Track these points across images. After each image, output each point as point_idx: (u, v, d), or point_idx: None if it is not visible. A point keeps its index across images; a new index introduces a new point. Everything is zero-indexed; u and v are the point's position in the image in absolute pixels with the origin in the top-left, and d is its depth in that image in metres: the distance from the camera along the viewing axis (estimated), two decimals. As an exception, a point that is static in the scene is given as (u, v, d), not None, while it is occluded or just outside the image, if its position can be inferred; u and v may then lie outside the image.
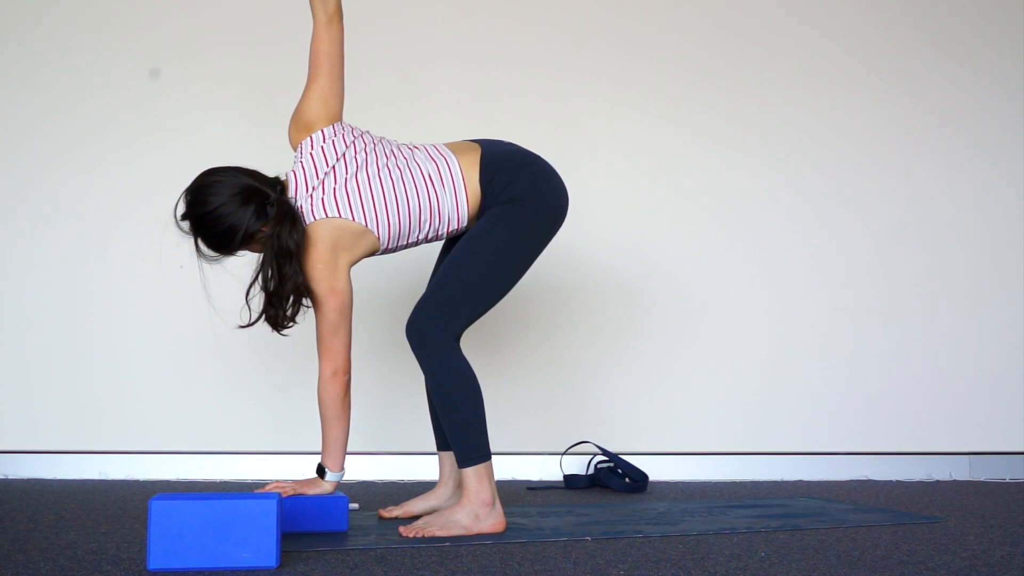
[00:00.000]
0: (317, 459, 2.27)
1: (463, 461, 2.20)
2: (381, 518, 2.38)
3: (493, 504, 2.19)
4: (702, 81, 3.51)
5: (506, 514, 2.31)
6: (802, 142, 3.54)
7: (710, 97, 3.51)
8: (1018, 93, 3.61)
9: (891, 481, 3.34)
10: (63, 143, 3.31)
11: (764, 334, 3.47)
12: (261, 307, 2.16)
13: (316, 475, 2.25)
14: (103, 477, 3.15)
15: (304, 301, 2.18)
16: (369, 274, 2.96)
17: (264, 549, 1.76)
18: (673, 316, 3.44)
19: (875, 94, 3.57)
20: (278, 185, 2.20)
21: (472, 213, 2.27)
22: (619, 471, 3.10)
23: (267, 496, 1.81)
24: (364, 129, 2.30)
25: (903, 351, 3.50)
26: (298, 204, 2.19)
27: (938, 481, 3.36)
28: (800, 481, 3.30)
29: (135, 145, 3.32)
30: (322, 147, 2.22)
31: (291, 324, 2.20)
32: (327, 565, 1.82)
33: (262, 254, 2.15)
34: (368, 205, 2.18)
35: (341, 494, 2.23)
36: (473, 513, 2.16)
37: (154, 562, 1.73)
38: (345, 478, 2.60)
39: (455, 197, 2.24)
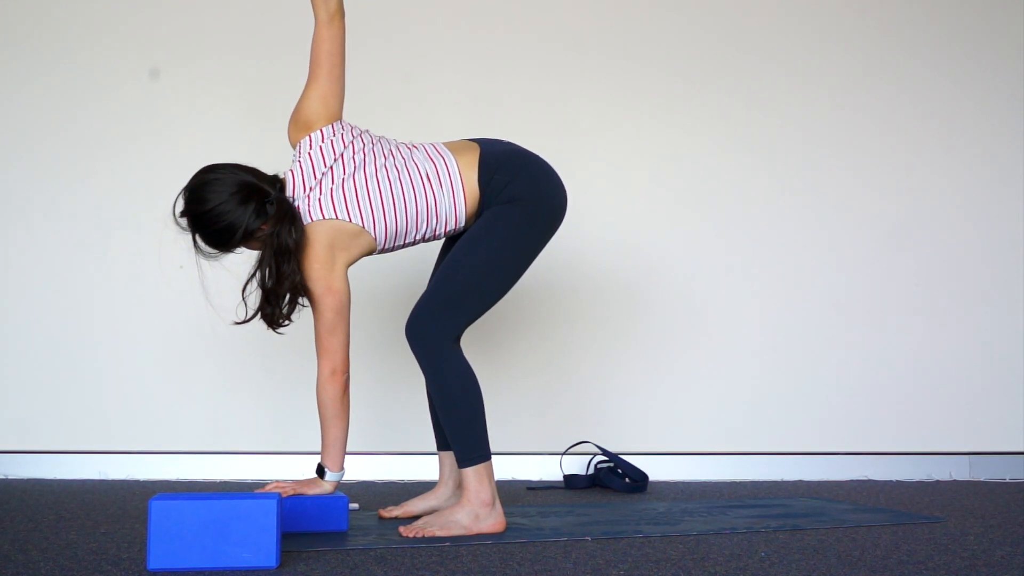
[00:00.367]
0: (317, 459, 2.27)
1: (463, 461, 2.20)
2: (381, 518, 2.38)
3: (493, 504, 2.19)
4: (701, 82, 3.51)
5: (506, 514, 2.31)
6: (802, 143, 3.54)
7: (710, 98, 3.51)
8: (1018, 93, 3.61)
9: (891, 481, 3.34)
10: (63, 144, 3.30)
11: (764, 334, 3.47)
12: (257, 304, 2.16)
13: (316, 475, 2.25)
14: (103, 477, 3.15)
15: (300, 300, 2.18)
16: (368, 274, 2.96)
17: (264, 549, 1.76)
18: (673, 316, 3.45)
19: (874, 95, 3.57)
20: (277, 183, 2.20)
21: (470, 213, 2.27)
22: (619, 471, 3.10)
23: (267, 496, 1.81)
24: (363, 128, 2.30)
25: (903, 351, 3.50)
26: (295, 204, 2.19)
27: (938, 481, 3.36)
28: (800, 481, 3.31)
29: (135, 146, 3.32)
30: (320, 147, 2.22)
31: (287, 322, 2.20)
32: (327, 565, 1.82)
33: (260, 252, 2.16)
34: (365, 206, 2.18)
35: (341, 494, 2.23)
36: (473, 513, 2.16)
37: (154, 562, 1.73)
38: (345, 478, 2.60)
39: (452, 197, 2.24)
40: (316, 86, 2.24)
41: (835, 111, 3.55)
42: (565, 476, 3.17)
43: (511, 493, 2.93)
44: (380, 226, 2.20)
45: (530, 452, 3.28)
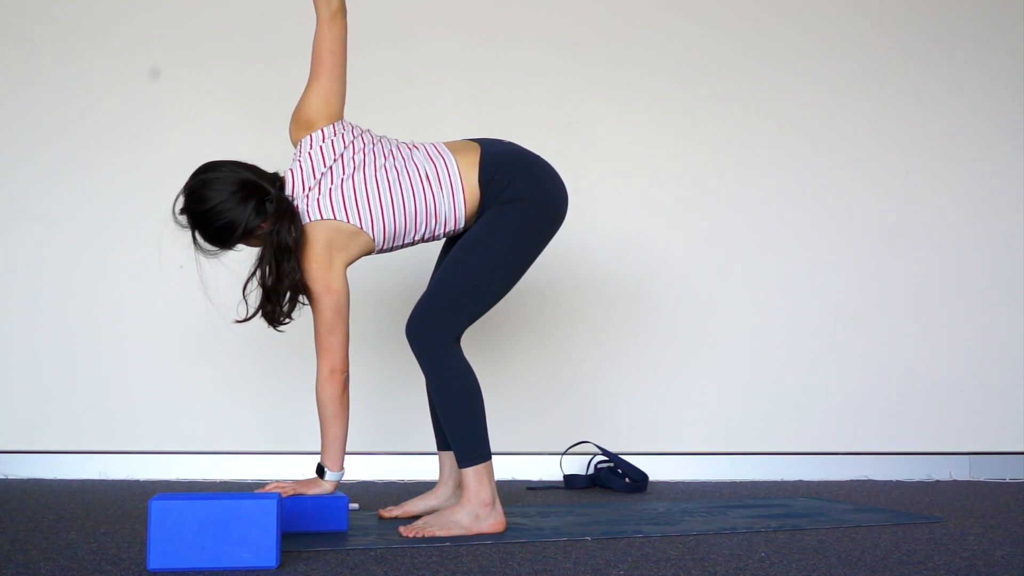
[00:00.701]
0: (317, 459, 2.27)
1: (463, 461, 2.20)
2: (381, 518, 2.38)
3: (493, 504, 2.19)
4: (702, 85, 3.51)
5: (506, 514, 2.31)
6: (801, 146, 3.54)
7: (710, 100, 3.51)
8: (1016, 96, 3.61)
9: (891, 481, 3.34)
10: (66, 146, 3.30)
11: (764, 334, 3.47)
12: (258, 303, 2.16)
13: (316, 475, 2.25)
14: (103, 477, 3.15)
15: (300, 298, 2.18)
16: (369, 273, 2.96)
17: (264, 549, 1.76)
18: (673, 316, 3.45)
19: (873, 97, 3.57)
20: (277, 181, 2.20)
21: (470, 213, 2.27)
22: (619, 471, 3.10)
23: (267, 496, 1.81)
24: (365, 128, 2.30)
25: (903, 351, 3.50)
26: (294, 203, 2.19)
27: (938, 481, 3.36)
28: (800, 481, 3.31)
29: (135, 147, 3.31)
30: (320, 147, 2.22)
31: (287, 320, 2.20)
32: (327, 565, 1.82)
33: (260, 250, 2.16)
34: (363, 207, 2.18)
35: (341, 494, 2.23)
36: (473, 513, 2.16)
37: (154, 562, 1.73)
38: (345, 478, 2.60)
39: (452, 198, 2.24)
40: (317, 85, 2.24)
41: (834, 114, 3.55)
42: (565, 476, 3.17)
43: (511, 493, 2.93)
44: (379, 227, 2.20)
45: (530, 452, 3.28)
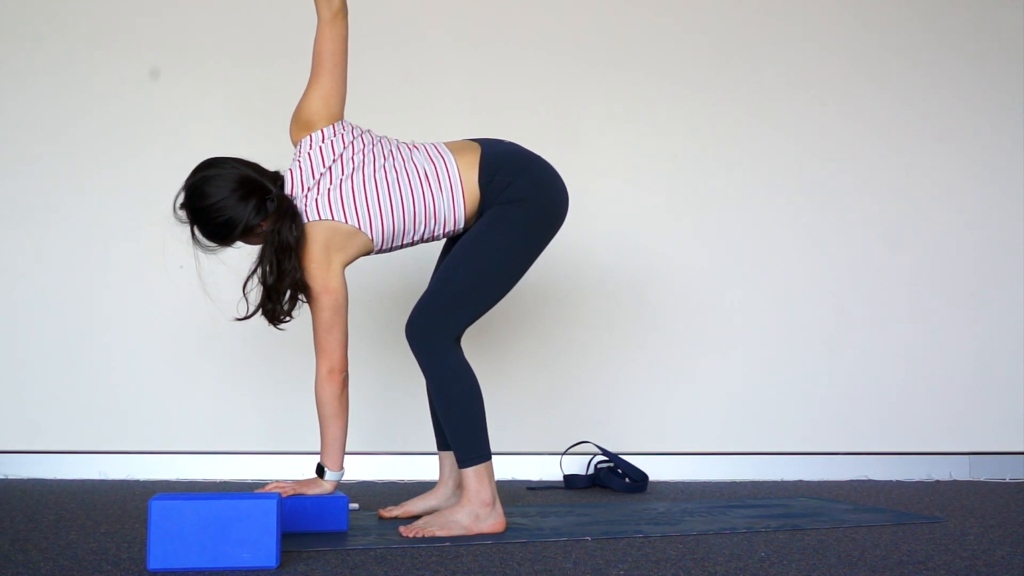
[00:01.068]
0: (317, 459, 2.26)
1: (463, 461, 2.20)
2: (381, 518, 2.38)
3: (493, 504, 2.19)
4: (702, 86, 3.51)
5: (506, 514, 2.31)
6: (801, 145, 3.54)
7: (711, 101, 3.51)
8: (1015, 96, 3.61)
9: (891, 481, 3.34)
10: (67, 147, 3.30)
11: (764, 334, 3.47)
12: (258, 300, 2.16)
13: (316, 475, 2.25)
14: (103, 477, 3.16)
15: (300, 296, 2.18)
16: (369, 273, 2.97)
17: (264, 549, 1.76)
18: (673, 316, 3.45)
19: (872, 98, 3.57)
20: (279, 180, 2.20)
21: (470, 213, 2.27)
22: (619, 471, 3.10)
23: (267, 496, 1.81)
24: (365, 128, 2.30)
25: (903, 351, 3.50)
26: (293, 203, 2.19)
27: (938, 481, 3.36)
28: (800, 481, 3.31)
29: (135, 148, 3.31)
30: (320, 147, 2.22)
31: (287, 319, 2.20)
32: (327, 565, 1.82)
33: (261, 248, 2.16)
34: (362, 207, 2.18)
35: (341, 494, 2.23)
36: (473, 513, 2.16)
37: (154, 562, 1.73)
38: (345, 478, 2.60)
39: (452, 198, 2.24)
40: (318, 86, 2.24)
41: (834, 114, 3.55)
42: (565, 476, 3.17)
43: (511, 493, 2.93)
44: (377, 227, 2.20)
45: (530, 452, 3.28)
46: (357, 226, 2.18)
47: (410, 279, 2.99)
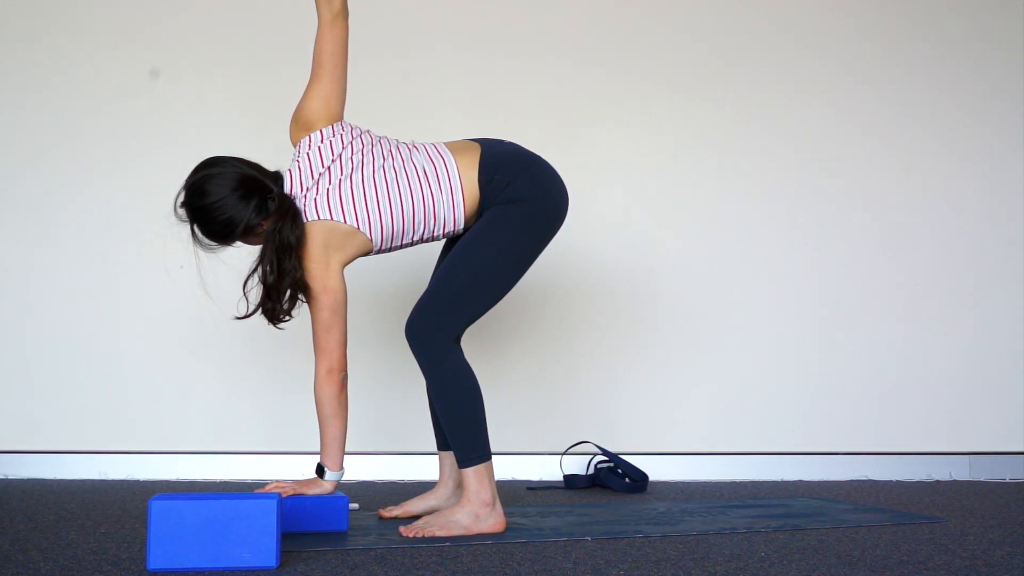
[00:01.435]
0: (316, 459, 2.26)
1: (463, 461, 2.20)
2: (381, 518, 2.38)
3: (493, 504, 2.19)
4: (702, 86, 3.51)
5: (506, 514, 2.31)
6: (799, 146, 3.54)
7: (712, 101, 3.51)
8: (1015, 95, 3.61)
9: (891, 481, 3.34)
10: (67, 148, 3.30)
11: (764, 334, 3.47)
12: (258, 300, 2.16)
13: (316, 475, 2.25)
14: (103, 477, 3.16)
15: (300, 296, 2.18)
16: (368, 273, 2.97)
17: (264, 549, 1.76)
18: (673, 316, 3.45)
19: (870, 98, 3.57)
20: (279, 180, 2.20)
21: (470, 214, 2.27)
22: (619, 471, 3.10)
23: (267, 496, 1.81)
24: (364, 128, 2.30)
25: (903, 351, 3.50)
26: (292, 202, 2.19)
27: (938, 481, 3.36)
28: (800, 481, 3.31)
29: (136, 149, 3.32)
30: (319, 147, 2.22)
31: (287, 318, 2.20)
32: (327, 565, 1.82)
33: (262, 247, 2.16)
34: (360, 207, 2.18)
35: (341, 494, 2.23)
36: (473, 513, 2.16)
37: (154, 562, 1.73)
38: (345, 478, 2.60)
39: (451, 198, 2.24)
40: (318, 86, 2.24)
41: (831, 115, 3.55)
42: (565, 476, 3.17)
43: (511, 493, 2.93)
44: (376, 227, 2.20)
45: (530, 452, 3.28)
46: (356, 226, 2.18)
47: (410, 279, 2.99)
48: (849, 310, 3.50)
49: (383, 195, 2.20)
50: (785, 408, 3.44)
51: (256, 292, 2.17)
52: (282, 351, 3.19)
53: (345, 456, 2.25)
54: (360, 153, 2.23)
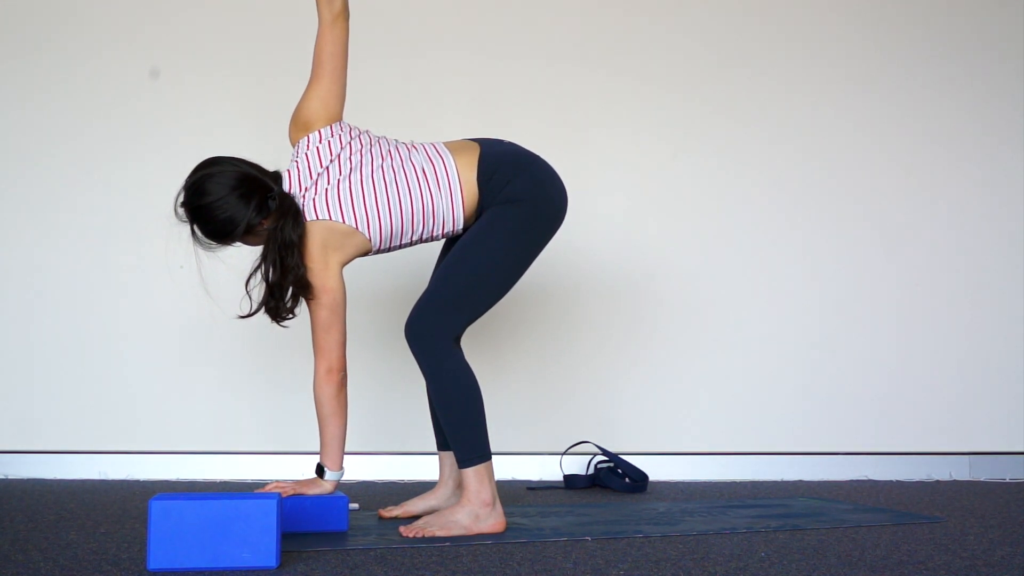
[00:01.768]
0: (317, 459, 2.26)
1: (463, 461, 2.20)
2: (381, 518, 2.38)
3: (493, 504, 2.19)
4: (703, 86, 3.51)
5: (506, 514, 2.31)
6: (798, 146, 3.54)
7: (712, 101, 3.51)
8: (1015, 94, 3.60)
9: (891, 481, 3.34)
10: (67, 148, 3.30)
11: (764, 334, 3.47)
12: (261, 298, 2.17)
13: (316, 475, 2.25)
14: (103, 477, 3.16)
15: (301, 294, 2.18)
16: (368, 273, 2.97)
17: (264, 549, 1.76)
18: (673, 316, 3.45)
19: (869, 98, 3.57)
20: (279, 179, 2.20)
21: (469, 213, 2.27)
22: (619, 471, 3.10)
23: (267, 496, 1.81)
24: (364, 129, 2.30)
25: (903, 351, 3.50)
26: (291, 202, 2.19)
27: (938, 481, 3.36)
28: (800, 481, 3.31)
29: (136, 149, 3.31)
30: (318, 147, 2.22)
31: (290, 316, 2.20)
32: (327, 565, 1.82)
33: (264, 246, 2.16)
34: (359, 207, 2.18)
35: (341, 494, 2.23)
36: (473, 513, 2.16)
37: (154, 562, 1.73)
38: (345, 478, 2.60)
39: (451, 198, 2.24)
40: (317, 87, 2.24)
41: (830, 116, 3.55)
42: (565, 476, 3.17)
43: (511, 493, 2.93)
44: (375, 227, 2.20)
45: (530, 452, 3.28)
46: (354, 226, 2.18)
47: (410, 279, 2.99)
48: (849, 310, 3.50)
49: (382, 195, 2.20)
50: (785, 408, 3.44)
51: (259, 291, 2.17)
52: (282, 351, 3.19)
53: (345, 456, 2.25)
54: (359, 153, 2.23)
